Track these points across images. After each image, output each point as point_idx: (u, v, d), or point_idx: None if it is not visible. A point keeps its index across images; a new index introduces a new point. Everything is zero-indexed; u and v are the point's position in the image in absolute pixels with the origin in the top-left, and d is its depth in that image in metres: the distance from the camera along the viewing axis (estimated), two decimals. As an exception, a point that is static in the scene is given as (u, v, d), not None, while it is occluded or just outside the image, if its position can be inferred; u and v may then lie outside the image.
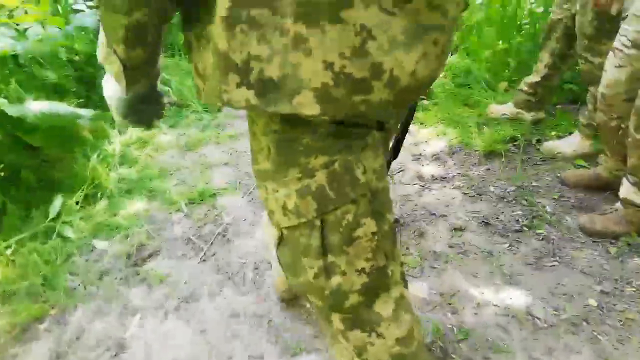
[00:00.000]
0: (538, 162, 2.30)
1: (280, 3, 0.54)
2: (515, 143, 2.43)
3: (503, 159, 2.32)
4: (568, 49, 2.21)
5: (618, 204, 1.80)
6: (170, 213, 2.05)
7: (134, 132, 2.53)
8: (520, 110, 2.53)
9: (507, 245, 1.80)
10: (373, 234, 0.72)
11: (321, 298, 0.76)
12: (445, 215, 1.98)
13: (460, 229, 1.89)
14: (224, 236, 1.92)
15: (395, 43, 0.58)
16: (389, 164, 1.63)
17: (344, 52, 0.56)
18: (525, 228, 1.87)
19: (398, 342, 0.78)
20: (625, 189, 1.71)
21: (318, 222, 0.70)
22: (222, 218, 2.00)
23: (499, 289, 1.61)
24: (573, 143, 2.26)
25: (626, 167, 1.72)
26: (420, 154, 2.42)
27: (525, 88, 2.45)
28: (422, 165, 2.33)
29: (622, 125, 1.73)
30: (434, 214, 1.99)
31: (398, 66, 0.59)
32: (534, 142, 2.43)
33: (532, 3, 3.09)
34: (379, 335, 0.77)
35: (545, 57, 2.30)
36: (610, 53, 1.67)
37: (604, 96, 1.73)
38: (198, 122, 2.81)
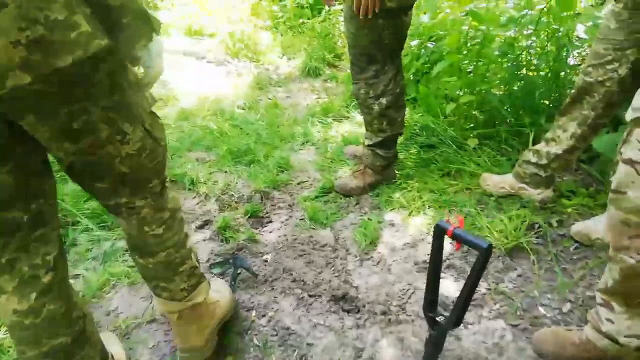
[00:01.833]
0: (575, 256, 1.79)
1: None
2: (537, 231, 1.90)
3: (532, 258, 1.78)
4: (605, 118, 1.76)
5: None
6: None
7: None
8: (523, 185, 2.03)
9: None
10: None
11: None
12: (508, 374, 1.36)
13: (541, 400, 1.28)
14: None
15: None
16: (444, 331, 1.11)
17: None
18: (625, 381, 1.32)
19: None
20: None
21: None
22: None
23: None
24: (609, 225, 1.79)
25: None
26: (426, 262, 1.80)
27: (535, 159, 1.96)
28: (435, 281, 1.70)
29: None
30: (492, 375, 1.36)
31: None
32: (554, 224, 1.94)
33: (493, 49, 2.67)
34: None
35: (571, 126, 1.81)
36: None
37: None
38: (95, 249, 1.92)
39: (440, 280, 1.67)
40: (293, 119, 3.15)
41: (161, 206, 1.16)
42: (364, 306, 1.63)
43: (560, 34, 2.36)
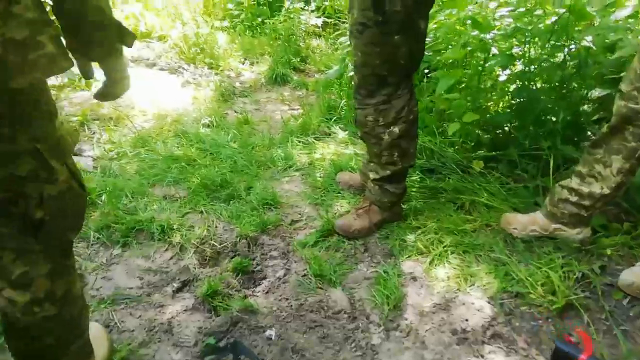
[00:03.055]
0: (631, 312, 1.56)
1: None
2: (581, 281, 1.66)
3: (587, 318, 1.53)
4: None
5: None
6: None
7: None
8: (559, 226, 1.78)
9: None
10: None
11: None
12: None
13: None
14: None
15: None
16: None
17: None
18: None
19: None
20: None
21: None
22: None
23: None
24: (662, 272, 1.58)
25: None
26: (465, 330, 1.51)
27: (575, 199, 1.71)
28: (483, 357, 1.41)
29: None
30: None
31: None
32: (596, 270, 1.71)
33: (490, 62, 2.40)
34: None
35: (616, 161, 1.57)
36: None
37: None
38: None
39: (488, 355, 1.39)
40: (269, 139, 2.77)
41: (64, 271, 1.01)
42: (405, 401, 1.32)
43: (574, 45, 2.14)
